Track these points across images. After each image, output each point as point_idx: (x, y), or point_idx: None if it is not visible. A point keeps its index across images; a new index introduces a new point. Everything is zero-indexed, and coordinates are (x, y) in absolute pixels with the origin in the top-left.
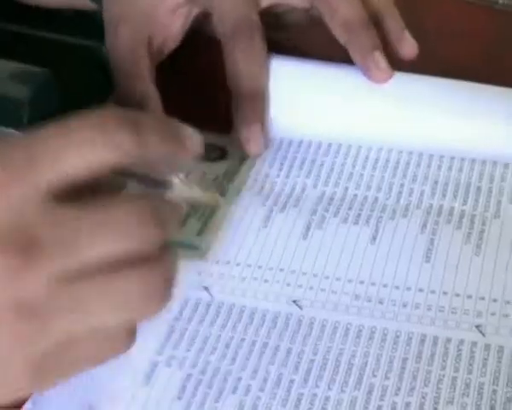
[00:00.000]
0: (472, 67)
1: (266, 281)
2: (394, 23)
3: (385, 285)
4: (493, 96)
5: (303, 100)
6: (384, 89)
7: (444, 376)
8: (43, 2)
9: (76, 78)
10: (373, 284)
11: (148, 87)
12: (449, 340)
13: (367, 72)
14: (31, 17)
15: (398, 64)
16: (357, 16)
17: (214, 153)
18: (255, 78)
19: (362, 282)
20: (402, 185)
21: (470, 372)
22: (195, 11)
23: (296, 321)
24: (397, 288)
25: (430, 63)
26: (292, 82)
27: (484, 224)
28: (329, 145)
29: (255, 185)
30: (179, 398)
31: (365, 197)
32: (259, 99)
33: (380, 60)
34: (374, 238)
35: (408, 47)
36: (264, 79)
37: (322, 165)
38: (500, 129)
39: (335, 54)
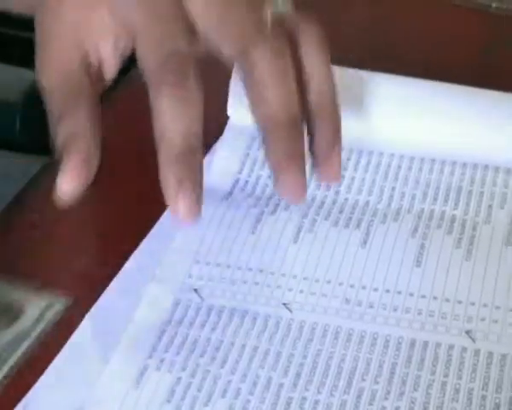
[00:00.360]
0: (466, 71)
1: (256, 284)
2: (328, 132)
3: (375, 289)
4: (486, 100)
5: None
6: (374, 91)
7: (433, 381)
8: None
9: None
10: (363, 287)
11: (85, 121)
12: (439, 345)
13: (277, 183)
14: (23, 19)
15: (390, 66)
16: (286, 112)
17: (4, 318)
18: (187, 131)
19: (352, 286)
20: (393, 189)
21: (460, 378)
22: (124, 38)
23: (286, 324)
24: (387, 292)
25: (424, 68)
26: None
27: (475, 229)
28: None
29: (246, 187)
30: (168, 401)
31: (356, 201)
32: (192, 156)
33: (295, 172)
34: (364, 242)
35: (329, 173)
36: (199, 131)
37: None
38: (492, 133)
39: None
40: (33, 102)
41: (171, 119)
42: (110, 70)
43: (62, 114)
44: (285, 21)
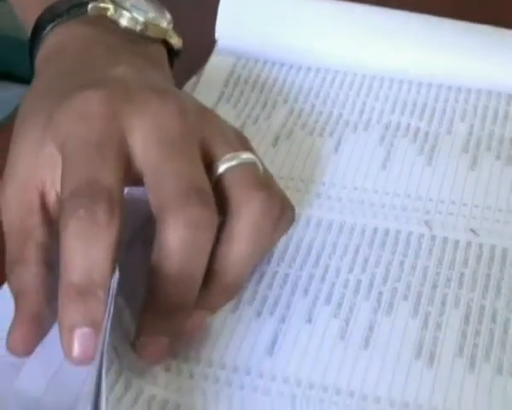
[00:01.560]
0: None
1: None
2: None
3: (344, 187)
4: (452, 28)
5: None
6: (359, 21)
7: (393, 260)
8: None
9: None
10: (333, 185)
11: (32, 278)
12: (399, 232)
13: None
14: None
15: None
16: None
17: None
18: (89, 270)
19: (323, 184)
20: (364, 104)
21: (417, 257)
22: None
23: None
24: (355, 189)
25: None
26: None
27: (437, 138)
28: (299, 68)
29: (231, 100)
30: None
31: (330, 112)
32: (92, 297)
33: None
34: (336, 149)
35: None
36: (104, 268)
37: (292, 85)
38: (455, 57)
39: None
40: None
41: (74, 255)
42: None
43: (13, 260)
44: (226, 189)
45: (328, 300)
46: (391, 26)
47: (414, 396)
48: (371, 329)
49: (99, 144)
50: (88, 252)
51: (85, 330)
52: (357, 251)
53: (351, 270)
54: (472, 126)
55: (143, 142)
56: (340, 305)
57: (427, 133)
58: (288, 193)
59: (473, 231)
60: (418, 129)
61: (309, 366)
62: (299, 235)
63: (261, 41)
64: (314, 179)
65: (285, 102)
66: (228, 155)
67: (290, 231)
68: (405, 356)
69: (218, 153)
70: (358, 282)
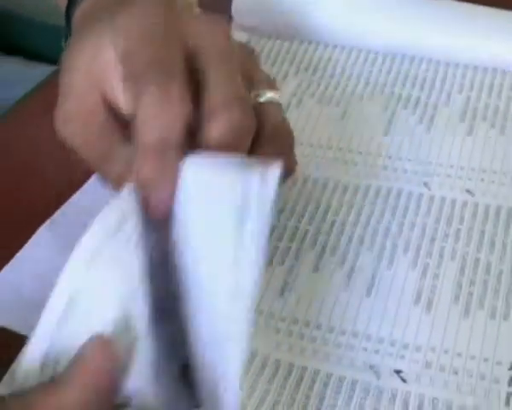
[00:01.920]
0: None
1: None
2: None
3: (350, 151)
4: (449, 8)
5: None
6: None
7: (394, 217)
8: None
9: None
10: (340, 149)
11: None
12: (400, 190)
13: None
14: None
15: None
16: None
17: None
18: (166, 126)
19: (330, 147)
20: (369, 77)
21: (416, 215)
22: None
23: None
24: (360, 153)
25: None
26: None
27: (435, 108)
28: (309, 44)
29: None
30: None
31: (337, 84)
32: (169, 153)
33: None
34: (342, 117)
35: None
36: (179, 130)
37: (302, 59)
38: (453, 36)
39: None
40: None
41: (148, 120)
42: (126, 107)
43: (97, 160)
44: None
45: (333, 252)
46: (393, 6)
47: (413, 338)
48: (373, 278)
49: (163, 37)
50: (162, 115)
51: (161, 184)
52: (361, 208)
53: (355, 225)
54: (468, 98)
55: (196, 46)
56: (344, 257)
57: (426, 104)
58: (300, 149)
59: (469, 191)
60: (418, 100)
61: (316, 310)
62: (306, 193)
63: (274, 19)
64: (321, 144)
65: (295, 74)
66: (265, 90)
67: (299, 190)
68: (405, 302)
69: (257, 86)
70: (362, 236)
